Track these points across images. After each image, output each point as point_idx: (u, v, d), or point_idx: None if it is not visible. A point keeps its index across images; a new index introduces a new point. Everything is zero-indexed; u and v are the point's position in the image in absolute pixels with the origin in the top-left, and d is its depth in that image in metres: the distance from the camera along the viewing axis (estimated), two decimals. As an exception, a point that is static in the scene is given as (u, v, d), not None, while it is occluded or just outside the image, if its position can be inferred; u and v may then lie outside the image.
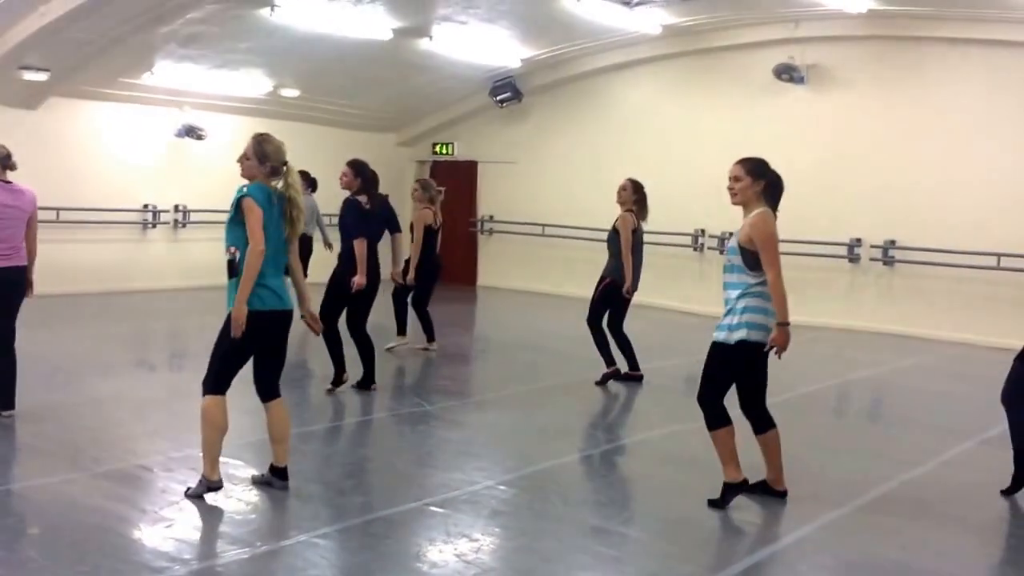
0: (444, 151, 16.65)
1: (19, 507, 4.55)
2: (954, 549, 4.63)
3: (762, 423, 5.00)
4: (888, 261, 12.27)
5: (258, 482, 4.91)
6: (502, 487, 5.13)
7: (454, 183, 16.72)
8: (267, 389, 4.82)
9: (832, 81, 12.62)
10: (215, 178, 12.62)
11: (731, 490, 4.87)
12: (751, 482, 4.98)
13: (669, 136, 13.91)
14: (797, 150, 12.82)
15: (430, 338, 9.31)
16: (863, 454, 6.39)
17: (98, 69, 11.59)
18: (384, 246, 7.67)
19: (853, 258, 12.51)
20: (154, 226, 13.31)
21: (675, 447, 6.29)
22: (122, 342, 9.06)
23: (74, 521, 4.32)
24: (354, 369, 7.34)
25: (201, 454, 4.72)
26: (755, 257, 4.72)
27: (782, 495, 5.03)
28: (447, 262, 16.97)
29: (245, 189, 4.58)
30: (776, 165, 4.98)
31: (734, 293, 4.79)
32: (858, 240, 12.48)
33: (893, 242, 12.20)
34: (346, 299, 7.18)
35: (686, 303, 13.11)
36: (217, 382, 4.61)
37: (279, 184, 4.69)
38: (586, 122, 14.89)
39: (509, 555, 4.31)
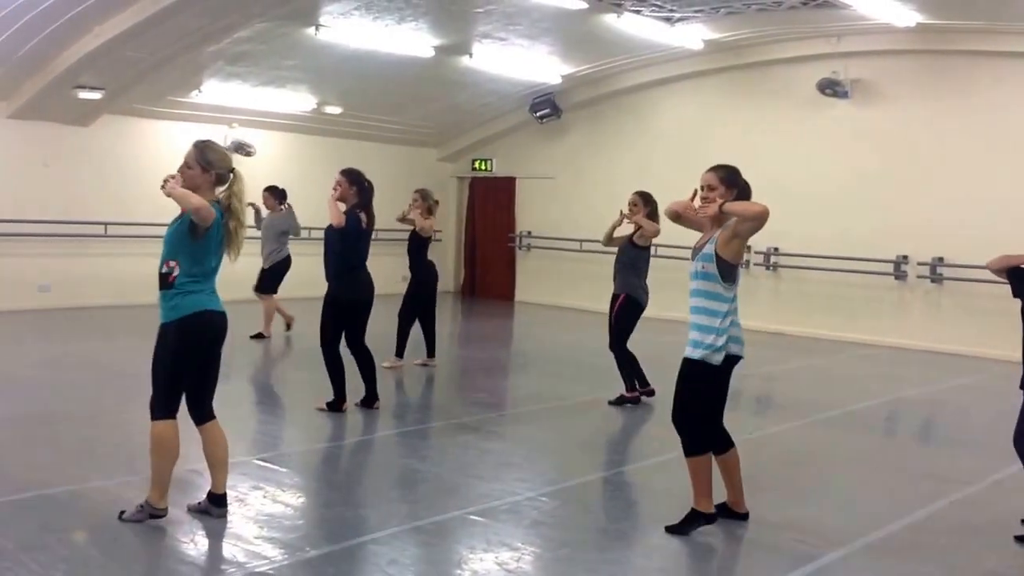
0: (482, 167, 16.79)
1: (80, 507, 4.70)
2: (1005, 570, 4.55)
3: (723, 442, 4.80)
4: (936, 278, 12.08)
5: (194, 510, 4.57)
6: (543, 498, 5.16)
7: (492, 199, 16.87)
8: (201, 410, 4.52)
9: (877, 96, 12.52)
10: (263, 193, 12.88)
11: (701, 520, 4.67)
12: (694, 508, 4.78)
13: (710, 152, 13.69)
14: (842, 165, 12.75)
15: (399, 354, 8.87)
16: (911, 473, 6.30)
17: (149, 87, 11.90)
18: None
19: (900, 275, 12.34)
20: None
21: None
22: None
23: (133, 523, 4.42)
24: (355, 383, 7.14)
25: (154, 477, 4.46)
26: (729, 269, 4.58)
27: (743, 517, 4.86)
28: (485, 277, 17.25)
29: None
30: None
31: (711, 305, 4.54)
32: (905, 257, 12.31)
33: (941, 259, 12.02)
34: (344, 319, 6.97)
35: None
36: (168, 404, 4.36)
37: (222, 193, 4.40)
38: (626, 138, 14.92)
39: (549, 565, 4.33)
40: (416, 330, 9.03)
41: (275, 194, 10.79)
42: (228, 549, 4.21)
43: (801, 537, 4.76)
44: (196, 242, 4.31)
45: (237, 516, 4.64)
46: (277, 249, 10.58)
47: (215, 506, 4.57)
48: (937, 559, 4.58)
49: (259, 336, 10.44)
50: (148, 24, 9.68)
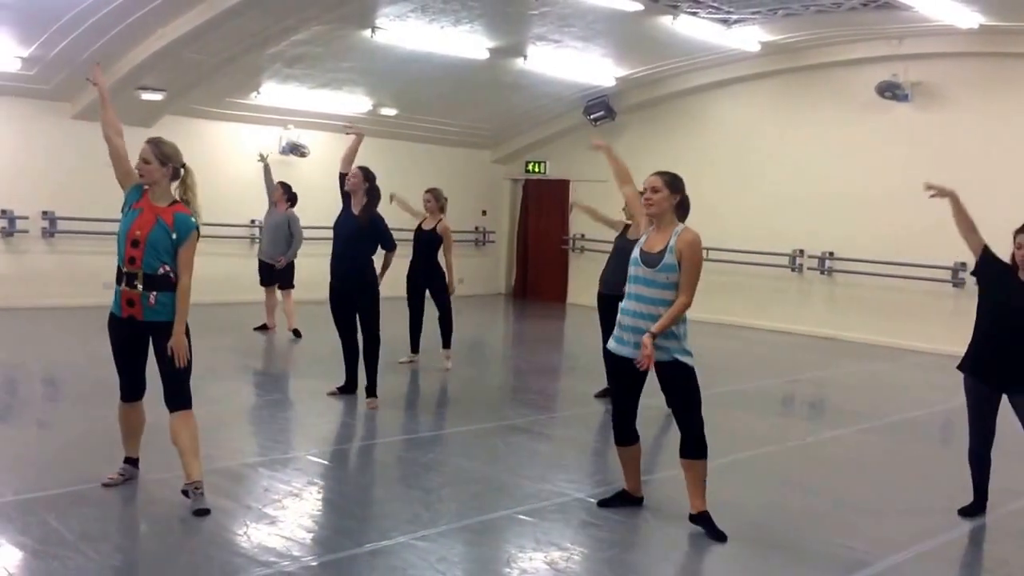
0: (536, 169, 16.82)
1: (137, 499, 4.84)
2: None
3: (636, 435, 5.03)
4: (996, 285, 11.78)
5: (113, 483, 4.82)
6: (591, 499, 5.16)
7: (546, 201, 16.89)
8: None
9: (938, 99, 12.25)
10: (317, 194, 13.05)
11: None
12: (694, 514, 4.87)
13: (766, 155, 13.72)
14: (900, 169, 12.49)
15: (447, 344, 9.14)
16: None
17: (209, 89, 12.16)
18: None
19: (957, 283, 12.06)
20: (259, 240, 13.83)
21: (768, 466, 6.20)
22: (230, 350, 9.45)
23: (188, 514, 4.54)
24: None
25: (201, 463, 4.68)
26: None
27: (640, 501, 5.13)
28: (538, 279, 17.27)
29: (193, 220, 4.58)
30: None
31: (663, 310, 4.51)
32: (963, 264, 12.01)
33: (1002, 265, 11.72)
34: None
35: (784, 323, 12.92)
36: (189, 395, 4.64)
37: (175, 187, 4.64)
38: (681, 141, 14.80)
39: (598, 565, 4.34)
40: (403, 330, 9.13)
41: (287, 192, 10.78)
42: (280, 542, 4.29)
43: (853, 543, 4.70)
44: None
45: (290, 510, 4.73)
46: (288, 248, 10.59)
47: (134, 467, 4.95)
48: (991, 569, 4.49)
49: (297, 333, 10.50)
50: (209, 27, 9.90)
